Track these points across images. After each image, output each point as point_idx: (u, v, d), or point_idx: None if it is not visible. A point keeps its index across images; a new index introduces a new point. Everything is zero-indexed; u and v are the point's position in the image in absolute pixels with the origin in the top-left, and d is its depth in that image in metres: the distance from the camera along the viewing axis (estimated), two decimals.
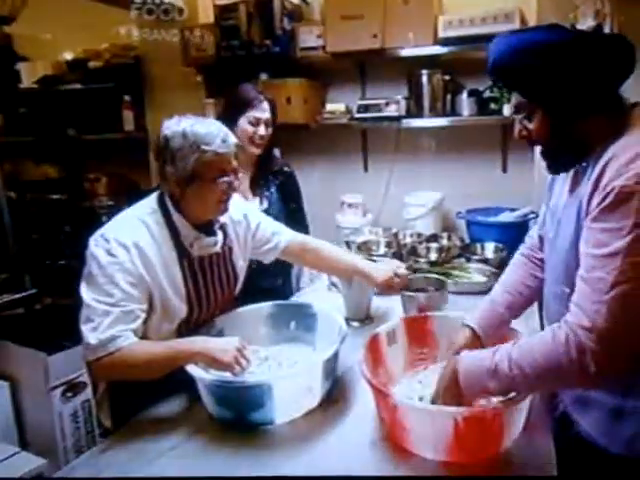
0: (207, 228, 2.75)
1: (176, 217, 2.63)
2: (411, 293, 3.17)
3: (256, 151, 3.76)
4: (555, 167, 2.15)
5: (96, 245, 2.47)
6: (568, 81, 1.89)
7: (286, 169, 4.06)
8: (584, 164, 1.99)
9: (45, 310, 5.40)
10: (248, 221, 3.03)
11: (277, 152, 4.36)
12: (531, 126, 2.04)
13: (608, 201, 1.75)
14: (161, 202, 2.65)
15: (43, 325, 4.81)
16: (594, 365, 1.72)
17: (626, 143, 1.82)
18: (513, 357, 1.90)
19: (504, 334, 2.45)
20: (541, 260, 2.47)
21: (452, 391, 2.07)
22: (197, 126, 2.53)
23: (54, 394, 4.30)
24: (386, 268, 3.25)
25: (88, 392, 4.44)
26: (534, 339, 1.93)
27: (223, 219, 2.83)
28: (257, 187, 3.86)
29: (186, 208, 2.64)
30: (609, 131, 1.91)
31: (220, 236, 2.81)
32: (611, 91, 1.97)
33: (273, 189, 3.92)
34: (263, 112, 3.72)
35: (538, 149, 2.14)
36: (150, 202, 2.68)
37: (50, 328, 4.58)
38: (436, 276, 3.53)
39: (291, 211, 4.02)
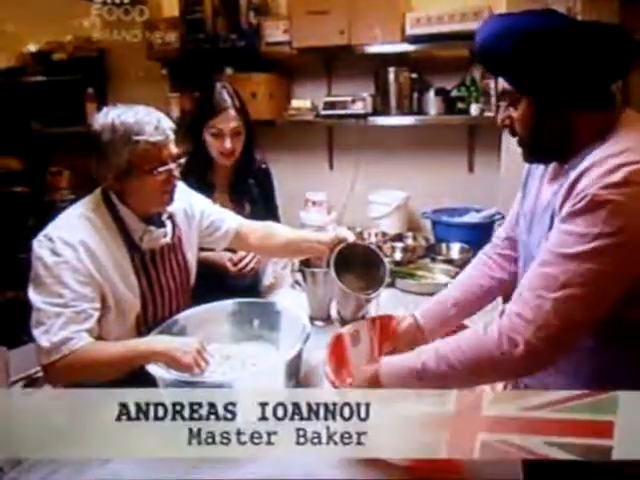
0: (156, 219, 2.69)
1: (123, 211, 2.57)
2: (347, 290, 2.79)
3: (226, 163, 3.52)
4: (531, 158, 2.10)
5: (40, 246, 2.40)
6: (560, 72, 1.82)
7: (263, 166, 3.88)
8: (565, 167, 1.95)
9: (6, 304, 5.33)
10: (193, 209, 2.97)
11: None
12: (515, 114, 1.97)
13: (579, 206, 1.72)
14: (106, 197, 2.58)
15: (4, 319, 4.75)
16: (525, 353, 1.73)
17: (608, 153, 1.76)
18: (440, 353, 1.88)
19: (451, 331, 2.43)
20: (502, 259, 2.48)
21: None
22: (125, 115, 2.43)
23: (14, 389, 4.25)
24: (331, 233, 3.12)
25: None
26: (463, 332, 1.92)
27: (171, 208, 2.76)
28: (237, 198, 3.68)
29: (130, 202, 2.57)
30: (594, 131, 1.87)
31: (169, 227, 2.75)
32: (604, 87, 1.92)
33: (254, 190, 3.76)
34: (227, 122, 3.41)
35: (507, 141, 2.09)
36: (94, 198, 2.61)
37: (11, 322, 4.52)
38: (377, 252, 3.01)
39: (270, 209, 3.88)
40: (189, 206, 2.95)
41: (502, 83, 1.98)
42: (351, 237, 2.95)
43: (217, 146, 3.44)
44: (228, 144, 3.42)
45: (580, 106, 1.89)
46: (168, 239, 2.73)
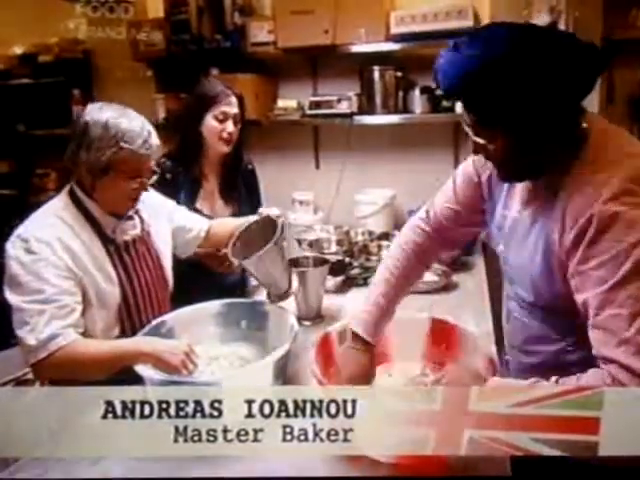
0: (122, 213, 2.72)
1: (92, 207, 2.60)
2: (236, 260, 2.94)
3: (225, 149, 3.55)
4: (506, 179, 2.03)
5: (14, 247, 2.43)
6: (526, 100, 1.70)
7: (250, 166, 3.95)
8: (542, 185, 1.91)
9: None
10: (163, 206, 3.04)
11: None
12: (491, 147, 1.85)
13: (590, 234, 1.67)
14: (73, 195, 2.61)
15: None
16: None
17: (592, 169, 1.72)
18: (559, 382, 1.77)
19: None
20: (430, 252, 2.62)
21: None
22: (121, 119, 2.48)
23: None
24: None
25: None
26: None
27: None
28: (226, 192, 3.73)
29: (96, 198, 2.59)
30: (568, 147, 1.81)
31: (137, 219, 2.79)
32: (573, 106, 1.81)
33: (241, 189, 3.81)
34: (231, 107, 3.51)
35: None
36: (62, 197, 2.64)
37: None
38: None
39: (255, 210, 3.85)
40: (160, 202, 3.03)
41: (471, 118, 1.88)
42: (275, 211, 3.13)
43: (219, 130, 3.48)
44: (231, 127, 3.50)
45: (553, 129, 1.79)
46: (138, 231, 2.78)
